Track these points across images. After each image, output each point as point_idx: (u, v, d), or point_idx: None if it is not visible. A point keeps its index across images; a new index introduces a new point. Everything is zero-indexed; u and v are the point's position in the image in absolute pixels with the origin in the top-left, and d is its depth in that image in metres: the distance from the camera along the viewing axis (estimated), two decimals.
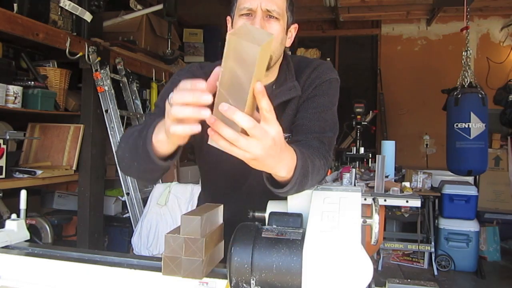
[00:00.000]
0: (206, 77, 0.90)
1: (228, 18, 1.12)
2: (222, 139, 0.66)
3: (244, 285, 0.72)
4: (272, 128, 0.68)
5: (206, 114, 0.65)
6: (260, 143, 0.67)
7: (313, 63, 1.15)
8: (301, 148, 0.88)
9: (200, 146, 1.18)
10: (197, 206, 1.28)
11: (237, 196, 1.16)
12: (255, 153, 0.67)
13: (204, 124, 0.68)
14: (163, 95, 1.10)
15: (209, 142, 0.69)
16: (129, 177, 3.03)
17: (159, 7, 3.72)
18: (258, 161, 0.71)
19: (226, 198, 1.12)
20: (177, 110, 0.67)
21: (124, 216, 3.32)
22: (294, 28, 1.13)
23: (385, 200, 2.96)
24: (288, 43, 1.12)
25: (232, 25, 1.08)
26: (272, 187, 0.84)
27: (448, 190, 3.92)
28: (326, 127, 1.06)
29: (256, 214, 0.93)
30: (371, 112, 5.04)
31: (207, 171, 1.26)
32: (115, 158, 0.98)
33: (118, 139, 2.96)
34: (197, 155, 1.25)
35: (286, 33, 1.09)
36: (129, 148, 0.93)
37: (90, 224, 2.96)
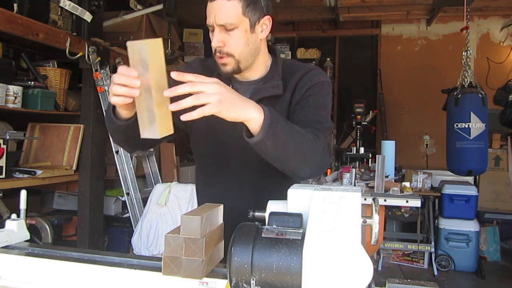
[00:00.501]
0: (204, 71, 1.18)
1: None
2: (193, 111, 0.85)
3: (244, 285, 0.72)
4: (208, 79, 0.87)
5: (135, 93, 0.88)
6: (211, 87, 0.86)
7: (305, 67, 1.21)
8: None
9: (190, 128, 1.26)
10: (197, 199, 1.36)
11: (228, 174, 1.22)
12: (216, 96, 0.85)
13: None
14: None
15: (182, 118, 0.86)
16: (129, 177, 3.04)
17: (159, 7, 3.71)
18: (226, 102, 0.86)
19: (216, 179, 1.24)
20: (115, 88, 0.89)
21: (124, 216, 3.32)
22: (267, 19, 1.15)
23: (385, 200, 2.96)
24: (264, 35, 1.16)
25: None
26: (248, 139, 0.94)
27: (448, 190, 3.92)
28: (322, 120, 1.12)
29: (256, 214, 0.93)
30: (371, 112, 5.02)
31: (198, 150, 1.31)
32: None
33: None
34: (191, 140, 1.31)
35: (254, 31, 1.11)
36: (107, 113, 1.13)
37: (90, 224, 2.96)
